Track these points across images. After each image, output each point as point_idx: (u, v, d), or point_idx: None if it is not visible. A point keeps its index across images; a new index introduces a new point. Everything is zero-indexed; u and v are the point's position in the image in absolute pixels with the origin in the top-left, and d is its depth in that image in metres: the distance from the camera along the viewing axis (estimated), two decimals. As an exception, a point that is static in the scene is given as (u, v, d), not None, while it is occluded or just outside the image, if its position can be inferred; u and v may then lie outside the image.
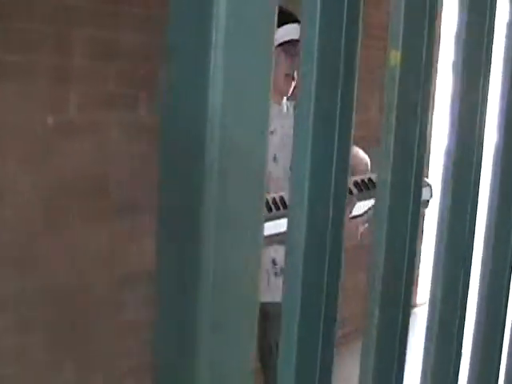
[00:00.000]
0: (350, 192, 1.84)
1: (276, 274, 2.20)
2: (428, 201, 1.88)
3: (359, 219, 1.89)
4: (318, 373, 0.80)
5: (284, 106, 2.27)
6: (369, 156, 2.28)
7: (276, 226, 1.70)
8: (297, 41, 1.91)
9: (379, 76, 0.97)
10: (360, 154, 2.28)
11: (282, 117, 2.21)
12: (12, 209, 2.40)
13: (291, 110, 2.28)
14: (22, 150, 2.39)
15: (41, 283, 2.48)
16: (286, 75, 2.17)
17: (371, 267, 0.87)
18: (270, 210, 1.84)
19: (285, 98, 2.28)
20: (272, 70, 0.58)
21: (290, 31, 2.07)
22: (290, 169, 2.06)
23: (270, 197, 1.92)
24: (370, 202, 1.86)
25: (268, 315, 2.09)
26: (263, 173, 0.60)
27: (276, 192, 1.95)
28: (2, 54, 2.30)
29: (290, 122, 2.07)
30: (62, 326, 2.57)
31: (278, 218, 1.73)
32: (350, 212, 1.82)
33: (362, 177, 1.98)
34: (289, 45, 2.10)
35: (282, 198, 1.91)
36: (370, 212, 1.86)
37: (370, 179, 1.98)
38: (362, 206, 1.86)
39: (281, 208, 1.86)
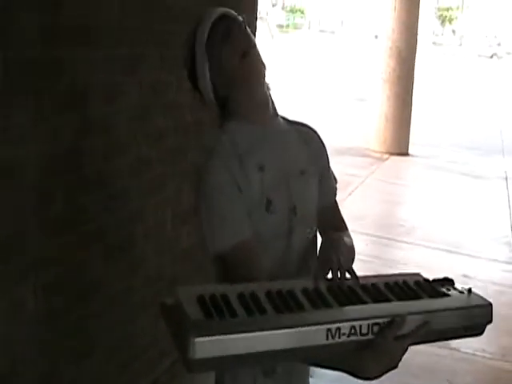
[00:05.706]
0: (387, 299, 1.39)
1: (266, 373, 1.54)
2: (485, 325, 1.42)
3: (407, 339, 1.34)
4: None
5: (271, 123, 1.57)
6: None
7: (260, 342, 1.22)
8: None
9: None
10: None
11: (269, 141, 1.54)
12: None
13: (281, 123, 1.59)
14: None
15: None
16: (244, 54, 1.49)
17: None
18: (261, 311, 1.27)
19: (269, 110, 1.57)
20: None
21: None
22: (293, 213, 1.57)
23: (255, 287, 1.34)
24: (417, 317, 1.35)
25: None
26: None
27: (271, 270, 1.47)
28: None
29: (279, 144, 1.56)
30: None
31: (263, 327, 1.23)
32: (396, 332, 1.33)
33: (393, 278, 1.48)
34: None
35: (289, 294, 1.34)
36: (418, 328, 1.36)
37: (405, 283, 1.47)
38: (408, 322, 1.34)
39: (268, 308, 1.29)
